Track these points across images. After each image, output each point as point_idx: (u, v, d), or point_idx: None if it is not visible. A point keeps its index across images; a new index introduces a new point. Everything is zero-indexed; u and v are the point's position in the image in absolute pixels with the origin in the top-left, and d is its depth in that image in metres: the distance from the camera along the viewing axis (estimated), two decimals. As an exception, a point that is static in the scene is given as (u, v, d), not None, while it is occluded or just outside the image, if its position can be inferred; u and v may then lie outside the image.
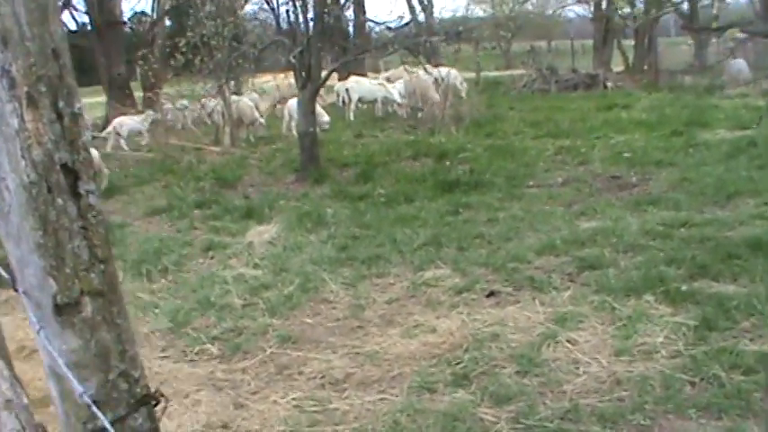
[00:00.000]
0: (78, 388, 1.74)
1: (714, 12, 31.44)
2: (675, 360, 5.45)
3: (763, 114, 11.09)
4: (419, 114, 20.88)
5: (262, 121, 19.35)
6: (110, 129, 19.65)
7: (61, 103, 1.66)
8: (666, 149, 13.90)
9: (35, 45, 1.63)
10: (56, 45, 1.66)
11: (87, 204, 1.72)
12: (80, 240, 1.71)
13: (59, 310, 1.72)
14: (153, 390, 1.93)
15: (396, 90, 22.15)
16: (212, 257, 9.11)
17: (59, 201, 1.67)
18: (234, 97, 19.26)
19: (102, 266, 1.76)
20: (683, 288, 6.75)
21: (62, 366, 1.74)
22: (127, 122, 19.82)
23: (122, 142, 19.19)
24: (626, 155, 13.68)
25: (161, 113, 21.05)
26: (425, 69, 19.98)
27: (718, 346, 5.53)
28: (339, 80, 23.51)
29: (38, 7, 1.64)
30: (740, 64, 24.40)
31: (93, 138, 20.61)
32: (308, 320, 6.89)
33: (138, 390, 1.88)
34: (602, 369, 5.42)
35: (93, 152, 12.76)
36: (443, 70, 21.67)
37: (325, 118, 18.60)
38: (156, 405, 1.92)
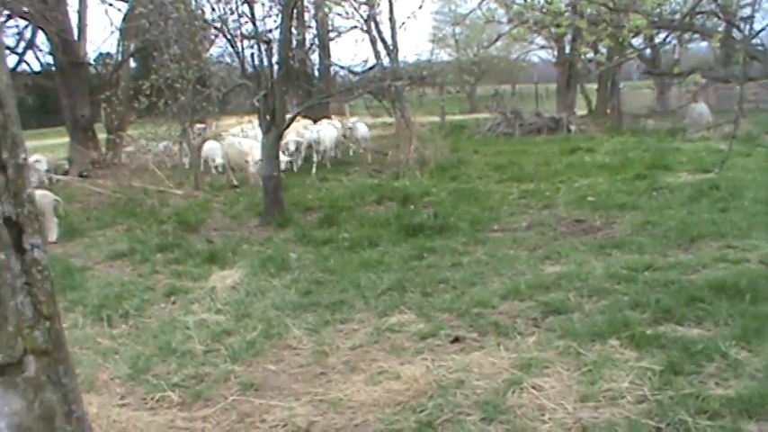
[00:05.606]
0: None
1: (676, 56, 31.83)
2: (641, 405, 5.40)
3: (724, 158, 11.18)
4: (389, 154, 21.02)
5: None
6: None
7: (5, 154, 1.58)
8: (630, 193, 14.02)
9: (-22, 95, 1.55)
10: (0, 94, 1.58)
11: (32, 259, 1.64)
12: (24, 297, 1.63)
13: (1, 370, 1.64)
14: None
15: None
16: (174, 302, 8.97)
17: (2, 256, 1.59)
18: (232, 139, 19.20)
19: (47, 324, 1.68)
20: (648, 332, 6.72)
21: (4, 430, 1.66)
22: None
23: None
24: (590, 198, 13.77)
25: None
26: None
27: (684, 391, 5.48)
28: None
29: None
30: (702, 108, 24.75)
31: (57, 181, 20.45)
32: (271, 367, 6.78)
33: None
34: (567, 415, 5.36)
35: (47, 198, 12.73)
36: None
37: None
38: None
